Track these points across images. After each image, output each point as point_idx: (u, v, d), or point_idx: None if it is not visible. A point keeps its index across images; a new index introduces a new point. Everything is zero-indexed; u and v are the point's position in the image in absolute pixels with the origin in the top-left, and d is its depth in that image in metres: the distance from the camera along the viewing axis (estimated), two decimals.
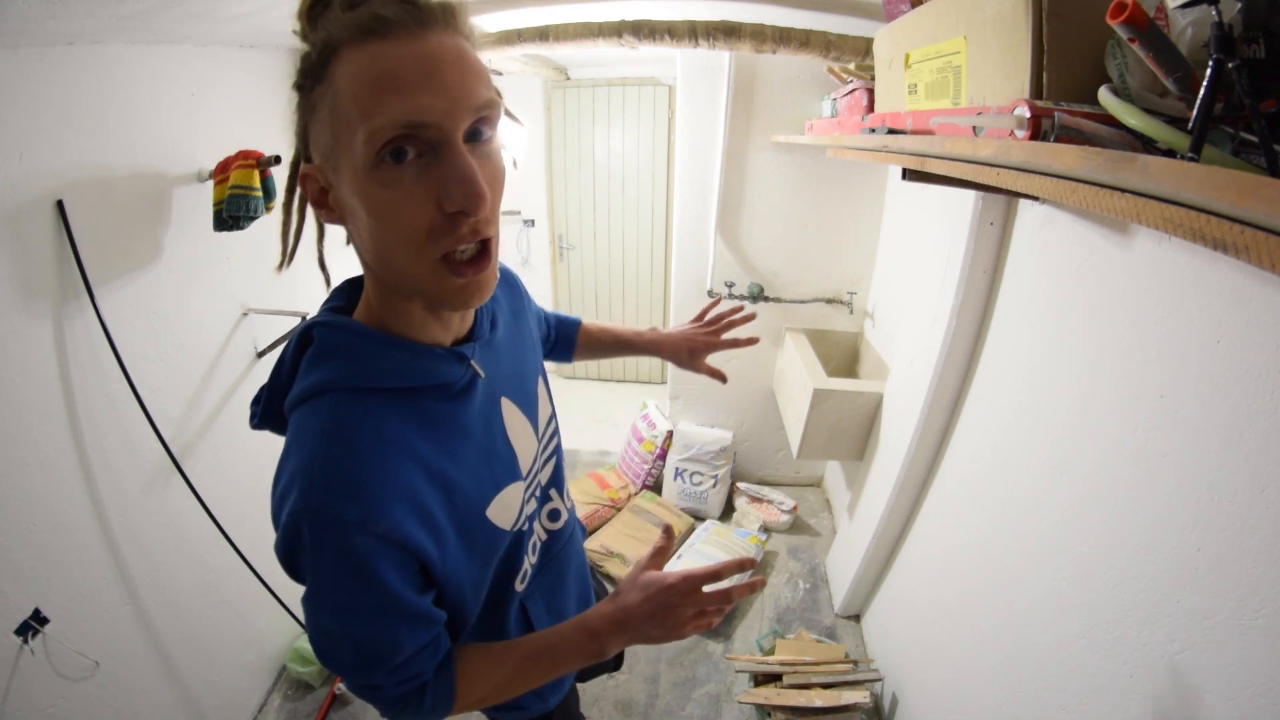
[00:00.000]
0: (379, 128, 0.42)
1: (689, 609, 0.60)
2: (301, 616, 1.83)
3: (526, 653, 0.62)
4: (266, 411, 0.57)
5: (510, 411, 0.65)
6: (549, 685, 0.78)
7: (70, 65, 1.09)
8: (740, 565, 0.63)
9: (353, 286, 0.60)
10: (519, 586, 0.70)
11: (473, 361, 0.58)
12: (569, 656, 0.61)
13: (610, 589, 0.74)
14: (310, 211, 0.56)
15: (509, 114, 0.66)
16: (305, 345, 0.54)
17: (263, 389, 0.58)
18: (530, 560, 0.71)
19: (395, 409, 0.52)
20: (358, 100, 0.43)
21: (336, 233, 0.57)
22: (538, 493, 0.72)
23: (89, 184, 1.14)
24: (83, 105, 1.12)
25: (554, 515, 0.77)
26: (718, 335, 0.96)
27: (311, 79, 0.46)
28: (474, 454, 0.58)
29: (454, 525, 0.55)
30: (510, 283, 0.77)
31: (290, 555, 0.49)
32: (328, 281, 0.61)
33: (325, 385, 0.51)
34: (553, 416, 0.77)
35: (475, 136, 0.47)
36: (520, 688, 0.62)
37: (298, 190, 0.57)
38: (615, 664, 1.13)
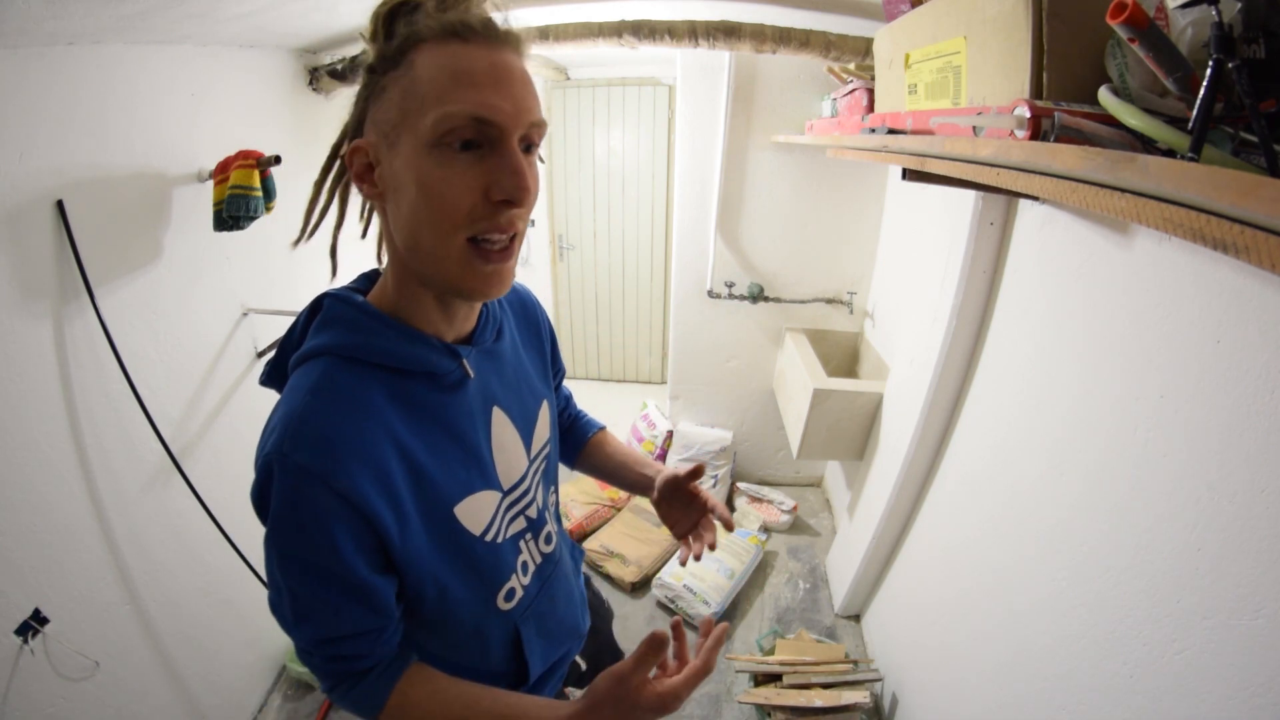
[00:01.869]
0: (451, 113, 0.47)
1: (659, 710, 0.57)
2: None
3: (479, 709, 0.60)
4: (273, 369, 0.60)
5: (501, 423, 0.66)
6: (527, 693, 0.77)
7: (70, 65, 1.09)
8: (714, 640, 0.63)
9: (374, 276, 0.64)
10: (504, 605, 0.69)
11: (464, 360, 0.61)
12: None
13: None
14: (338, 193, 0.61)
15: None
16: (316, 313, 0.59)
17: (274, 344, 0.63)
18: (521, 580, 0.70)
19: (383, 386, 0.55)
20: (434, 85, 0.48)
21: (350, 229, 0.62)
22: (531, 513, 0.72)
23: (89, 184, 1.14)
24: (83, 105, 1.12)
25: (549, 539, 0.77)
26: (696, 524, 0.83)
27: (388, 64, 0.50)
28: (452, 450, 0.60)
29: (420, 511, 0.57)
30: (529, 307, 0.79)
31: (260, 496, 0.52)
32: (334, 270, 0.65)
33: (323, 349, 0.55)
34: (549, 443, 0.76)
35: (526, 148, 0.52)
36: None
37: (334, 169, 0.60)
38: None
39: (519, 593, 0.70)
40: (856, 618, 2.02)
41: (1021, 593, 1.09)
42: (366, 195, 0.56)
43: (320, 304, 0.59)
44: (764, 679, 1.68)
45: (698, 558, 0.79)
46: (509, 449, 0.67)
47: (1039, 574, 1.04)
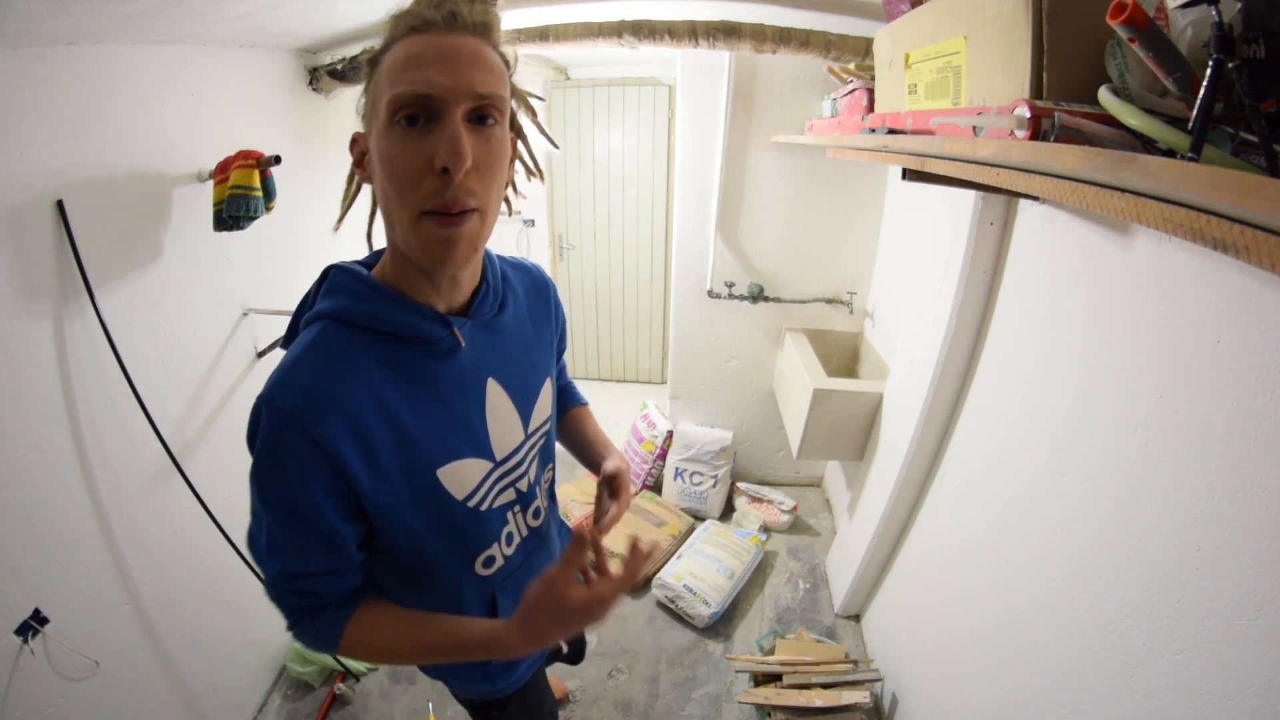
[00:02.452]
0: (397, 94, 0.52)
1: (585, 619, 0.60)
2: None
3: (429, 635, 0.65)
4: (289, 331, 0.66)
5: (496, 394, 0.70)
6: (498, 668, 0.83)
7: (70, 65, 1.09)
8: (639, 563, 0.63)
9: (383, 253, 0.68)
10: (482, 571, 0.73)
11: (456, 330, 0.64)
12: (474, 656, 0.64)
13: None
14: (359, 187, 0.67)
15: (547, 135, 0.76)
16: (325, 281, 0.65)
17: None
18: (503, 550, 0.75)
19: (375, 349, 0.60)
20: (389, 74, 0.54)
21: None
22: (522, 485, 0.75)
23: (89, 184, 1.14)
24: (83, 105, 1.12)
25: (537, 514, 0.80)
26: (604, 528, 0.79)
27: (372, 65, 0.57)
28: (439, 415, 0.64)
29: (400, 468, 0.61)
30: (541, 287, 0.81)
31: (250, 434, 0.58)
32: (370, 250, 0.71)
33: (324, 313, 0.61)
34: (549, 420, 0.79)
35: (481, 120, 0.55)
36: (411, 661, 0.68)
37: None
38: (576, 658, 1.14)
39: (499, 561, 0.74)
40: (856, 618, 2.02)
41: (1021, 592, 1.09)
42: (361, 179, 0.63)
43: (328, 273, 0.65)
44: (764, 679, 1.68)
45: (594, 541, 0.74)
46: (504, 420, 0.71)
47: (1039, 574, 1.04)
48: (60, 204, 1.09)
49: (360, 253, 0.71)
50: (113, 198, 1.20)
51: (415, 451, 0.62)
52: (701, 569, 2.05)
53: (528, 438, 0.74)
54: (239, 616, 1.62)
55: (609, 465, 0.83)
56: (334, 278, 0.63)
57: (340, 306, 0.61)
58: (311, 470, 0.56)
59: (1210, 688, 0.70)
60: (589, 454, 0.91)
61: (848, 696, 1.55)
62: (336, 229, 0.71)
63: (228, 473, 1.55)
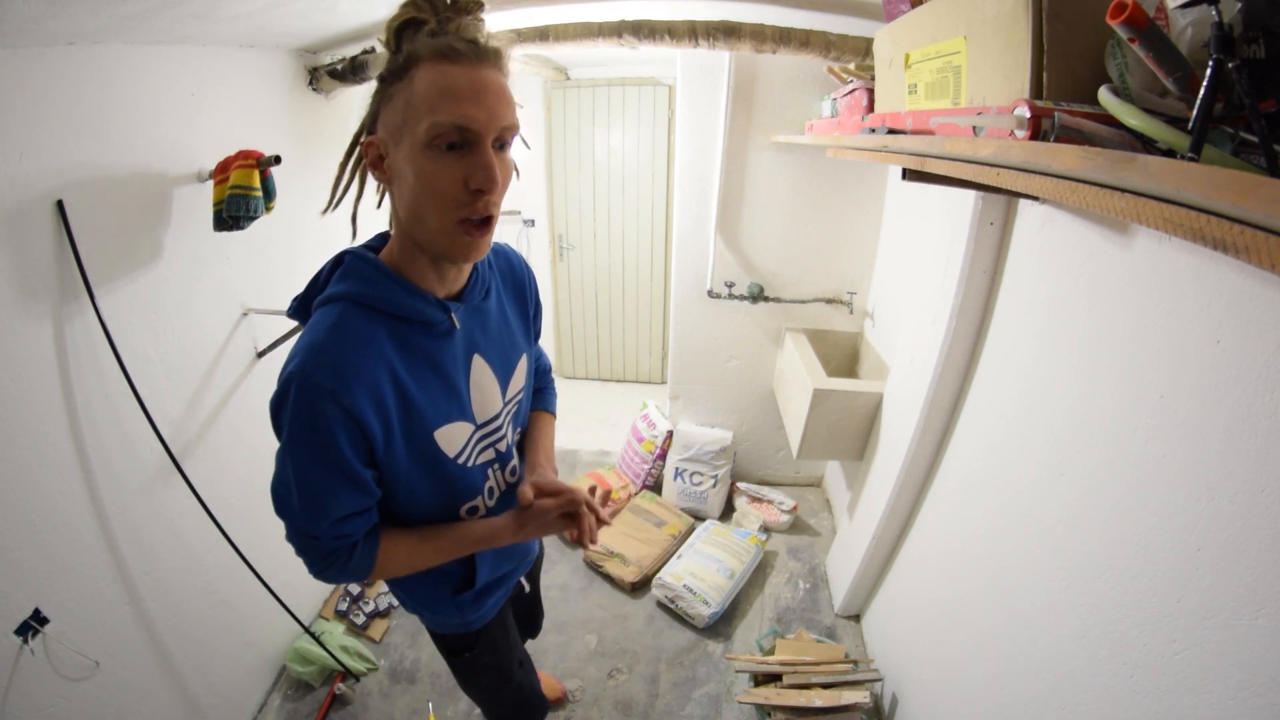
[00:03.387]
0: (439, 122, 0.61)
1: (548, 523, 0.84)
2: (301, 616, 1.84)
3: (441, 537, 0.82)
4: (300, 305, 0.75)
5: (480, 368, 0.81)
6: (468, 600, 0.95)
7: (70, 65, 1.09)
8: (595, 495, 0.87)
9: (387, 237, 0.77)
10: (466, 517, 0.86)
11: (453, 314, 0.75)
12: (476, 545, 0.84)
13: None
14: (358, 174, 0.74)
15: (522, 139, 0.84)
16: (338, 265, 0.73)
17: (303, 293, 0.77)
18: (486, 502, 0.88)
19: (387, 329, 0.70)
20: (427, 99, 0.61)
21: (368, 199, 0.76)
22: (501, 446, 0.87)
23: (89, 184, 1.14)
24: (83, 105, 1.12)
25: (514, 472, 0.92)
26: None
27: (395, 77, 0.63)
28: (437, 385, 0.75)
29: (404, 430, 0.72)
30: (517, 271, 0.92)
31: (278, 409, 0.66)
32: (354, 235, 0.78)
33: (342, 295, 0.69)
34: (523, 390, 0.92)
35: (499, 145, 0.66)
36: (432, 563, 0.83)
37: (354, 155, 0.73)
38: (531, 627, 1.41)
39: (481, 510, 0.87)
40: (856, 618, 2.02)
41: (1022, 593, 1.09)
42: (378, 180, 0.70)
43: (342, 259, 0.73)
44: (764, 679, 1.68)
45: (592, 541, 0.86)
46: (485, 390, 0.82)
47: (1039, 574, 1.04)
48: (60, 204, 1.09)
49: (372, 227, 0.78)
50: (113, 198, 1.20)
51: (417, 416, 0.73)
52: (701, 569, 2.05)
53: (505, 405, 0.87)
54: (239, 616, 1.62)
55: (530, 480, 0.87)
56: (350, 263, 0.71)
57: (358, 290, 0.69)
58: (340, 431, 0.66)
59: (1210, 688, 0.70)
60: (529, 457, 0.95)
61: (848, 696, 1.55)
62: (325, 213, 0.76)
63: (228, 473, 1.55)
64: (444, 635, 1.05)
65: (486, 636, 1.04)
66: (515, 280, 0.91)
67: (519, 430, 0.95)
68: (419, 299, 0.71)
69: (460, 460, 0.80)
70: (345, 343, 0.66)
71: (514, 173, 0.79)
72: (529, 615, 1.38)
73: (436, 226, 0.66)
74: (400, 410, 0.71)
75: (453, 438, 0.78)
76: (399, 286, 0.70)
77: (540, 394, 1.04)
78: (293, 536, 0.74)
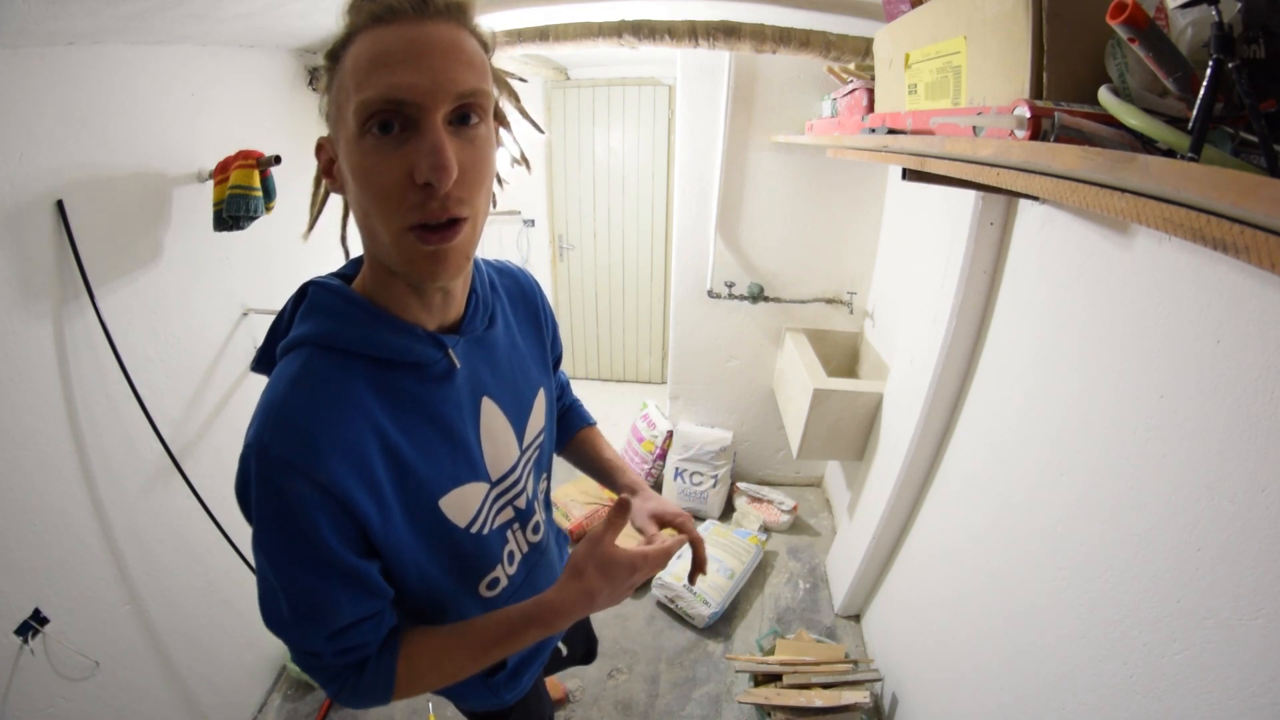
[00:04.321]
0: (366, 100, 0.46)
1: (625, 589, 0.62)
2: None
3: (481, 636, 0.61)
4: (262, 355, 0.60)
5: (491, 413, 0.65)
6: (503, 680, 0.79)
7: (70, 65, 1.09)
8: (680, 544, 0.67)
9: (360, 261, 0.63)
10: (487, 593, 0.69)
11: (451, 351, 0.60)
12: (529, 635, 0.61)
13: None
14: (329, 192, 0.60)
15: (530, 120, 0.69)
16: (303, 299, 0.58)
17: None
18: (507, 570, 0.70)
19: (366, 377, 0.55)
20: (354, 75, 0.47)
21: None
22: (520, 503, 0.71)
23: (89, 184, 1.14)
24: (83, 105, 1.12)
25: (537, 529, 0.76)
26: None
27: (333, 60, 0.50)
28: (438, 444, 0.59)
29: (401, 503, 0.57)
30: (527, 291, 0.77)
31: (242, 490, 0.52)
32: (346, 256, 0.65)
33: (306, 338, 0.54)
34: (544, 432, 0.75)
35: (463, 120, 0.49)
36: (470, 673, 0.61)
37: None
38: (588, 658, 1.14)
39: (503, 582, 0.70)
40: (856, 618, 2.02)
41: (1022, 593, 1.09)
42: (331, 189, 0.57)
43: (305, 290, 0.58)
44: (764, 679, 1.68)
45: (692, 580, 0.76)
46: (499, 440, 0.66)
47: (1039, 574, 1.04)
48: (60, 204, 1.09)
49: (355, 250, 0.63)
50: (113, 198, 1.20)
51: (416, 483, 0.57)
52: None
53: (523, 453, 0.70)
54: (239, 616, 1.62)
55: (640, 502, 0.78)
56: (314, 296, 0.57)
57: (326, 330, 0.54)
58: (322, 517, 0.51)
59: (1210, 688, 0.70)
60: (609, 480, 0.88)
61: (848, 696, 1.55)
62: (306, 237, 0.61)
63: (228, 473, 1.54)
64: (474, 712, 0.90)
65: (520, 707, 0.88)
66: (527, 302, 0.76)
67: (544, 479, 0.79)
68: (404, 335, 0.56)
69: (474, 529, 0.64)
70: (314, 401, 0.51)
71: (519, 161, 0.67)
72: (585, 644, 1.16)
73: (387, 238, 0.50)
74: (395, 479, 0.56)
75: (464, 504, 0.62)
76: (378, 321, 0.55)
77: (572, 411, 0.94)
78: (292, 654, 0.58)
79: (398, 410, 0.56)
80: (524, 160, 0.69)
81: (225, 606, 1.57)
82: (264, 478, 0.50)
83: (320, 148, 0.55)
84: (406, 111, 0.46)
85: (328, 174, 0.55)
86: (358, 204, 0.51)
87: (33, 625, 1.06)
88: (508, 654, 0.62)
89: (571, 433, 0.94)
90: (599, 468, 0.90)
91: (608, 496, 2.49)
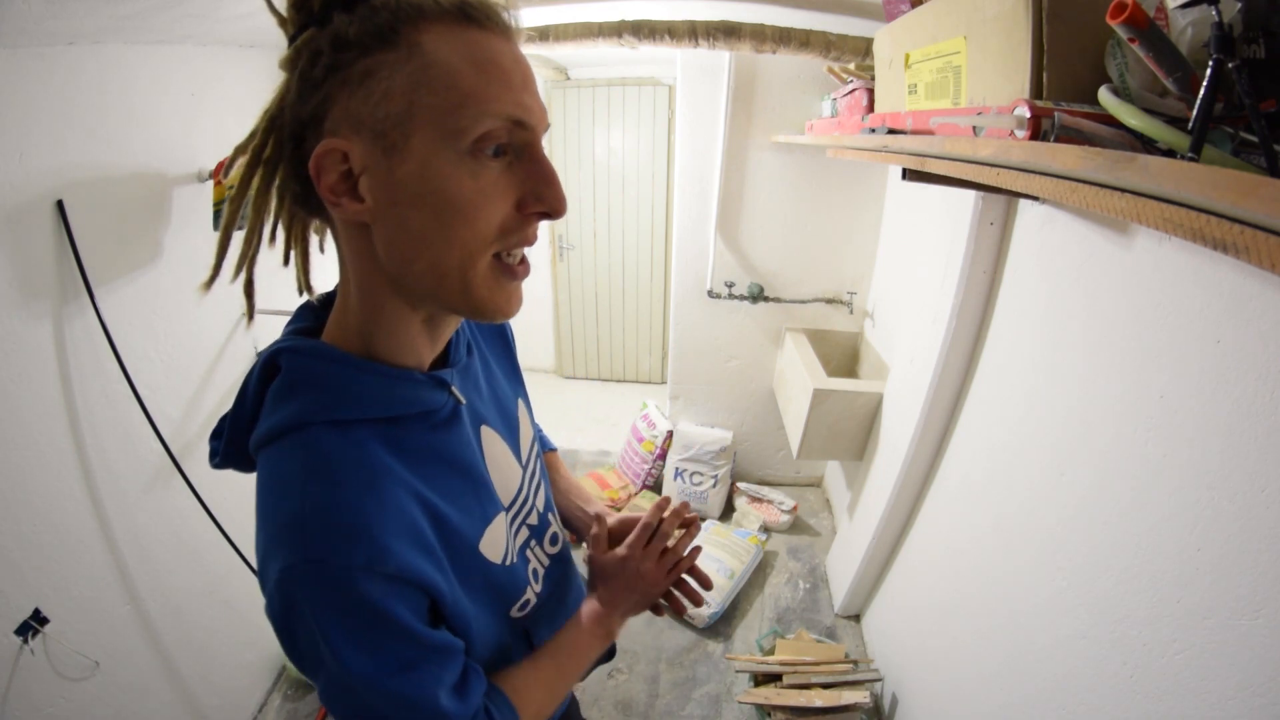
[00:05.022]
0: (494, 116, 0.40)
1: (650, 564, 0.64)
2: None
3: (557, 659, 0.63)
4: (229, 449, 0.52)
5: (491, 440, 0.61)
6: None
7: (70, 65, 1.09)
8: (661, 509, 0.67)
9: (319, 307, 0.55)
10: (517, 614, 0.65)
11: (454, 388, 0.55)
12: (591, 650, 0.64)
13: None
14: (282, 211, 0.49)
15: None
16: (270, 375, 0.49)
17: (223, 421, 0.53)
18: (535, 589, 0.66)
19: (380, 441, 0.48)
20: (463, 79, 0.40)
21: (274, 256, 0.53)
22: (533, 519, 0.68)
23: (89, 184, 1.14)
24: (82, 105, 1.12)
25: (554, 539, 0.73)
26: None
27: (374, 40, 0.40)
28: (461, 487, 0.55)
29: (450, 559, 0.51)
30: None
31: (287, 620, 0.43)
32: (251, 313, 0.52)
33: (300, 419, 0.46)
34: (535, 439, 0.73)
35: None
36: (564, 689, 0.63)
37: (271, 174, 0.46)
38: (610, 656, 1.11)
39: (533, 601, 0.67)
40: (856, 618, 2.02)
41: (1022, 593, 1.09)
42: (345, 215, 0.44)
43: (275, 364, 0.49)
44: (764, 679, 1.68)
45: (681, 612, 0.78)
46: (502, 465, 0.62)
47: (1039, 574, 1.04)
48: (60, 204, 1.08)
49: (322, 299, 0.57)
50: (113, 198, 1.20)
51: (457, 537, 0.52)
52: (702, 569, 2.05)
53: (524, 469, 0.67)
54: (239, 616, 1.62)
55: (609, 519, 0.79)
56: (293, 368, 0.48)
57: (322, 403, 0.46)
58: (401, 608, 0.44)
59: (1210, 688, 0.70)
60: (572, 505, 0.84)
61: (848, 696, 1.55)
62: (207, 289, 0.50)
63: (228, 473, 1.55)
64: None
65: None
66: None
67: (544, 484, 0.76)
68: (407, 384, 0.50)
69: (506, 561, 0.60)
70: (346, 488, 0.44)
71: None
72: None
73: (469, 272, 0.44)
74: (441, 538, 0.50)
75: (495, 541, 0.58)
76: (374, 374, 0.48)
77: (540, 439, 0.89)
78: None
79: (421, 466, 0.50)
80: None
81: (225, 606, 1.57)
82: (324, 597, 0.42)
83: (331, 153, 0.41)
84: (523, 136, 0.43)
85: (339, 193, 0.43)
86: (425, 229, 0.42)
87: (33, 625, 1.06)
88: (582, 669, 0.66)
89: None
90: (561, 490, 0.86)
91: (608, 497, 2.49)
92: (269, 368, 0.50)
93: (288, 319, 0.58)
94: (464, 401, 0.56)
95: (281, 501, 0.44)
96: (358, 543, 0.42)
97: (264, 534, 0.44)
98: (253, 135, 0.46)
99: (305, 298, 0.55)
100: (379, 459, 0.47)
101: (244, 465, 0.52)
